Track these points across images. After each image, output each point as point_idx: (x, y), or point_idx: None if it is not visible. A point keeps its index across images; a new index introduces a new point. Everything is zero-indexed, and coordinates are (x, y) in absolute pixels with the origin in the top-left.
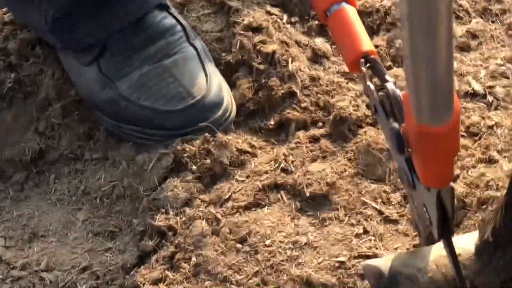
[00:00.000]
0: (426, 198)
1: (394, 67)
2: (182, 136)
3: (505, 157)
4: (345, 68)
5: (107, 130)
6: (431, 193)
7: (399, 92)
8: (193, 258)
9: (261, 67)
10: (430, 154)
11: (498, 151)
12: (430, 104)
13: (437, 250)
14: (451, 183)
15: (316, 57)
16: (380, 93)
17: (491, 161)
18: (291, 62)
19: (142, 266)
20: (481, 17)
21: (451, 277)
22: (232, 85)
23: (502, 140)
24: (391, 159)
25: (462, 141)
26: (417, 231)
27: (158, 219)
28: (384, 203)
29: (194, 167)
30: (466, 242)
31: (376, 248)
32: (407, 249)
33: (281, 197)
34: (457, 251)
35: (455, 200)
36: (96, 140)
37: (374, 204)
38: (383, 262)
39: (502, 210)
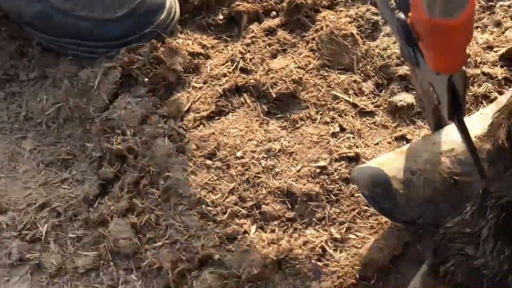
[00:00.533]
0: (434, 78)
1: None
2: (126, 46)
3: (477, 27)
4: None
5: (41, 45)
6: (441, 77)
7: None
8: (161, 182)
9: None
10: (442, 46)
11: None
12: None
13: (429, 148)
14: (463, 67)
15: None
16: None
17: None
18: None
19: (106, 197)
20: None
21: (447, 175)
22: None
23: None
24: (357, 45)
25: None
26: (422, 107)
27: (115, 141)
28: (356, 94)
29: (145, 79)
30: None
31: (357, 147)
32: (389, 143)
33: (245, 100)
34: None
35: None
36: (30, 57)
37: (346, 97)
38: (374, 168)
39: None
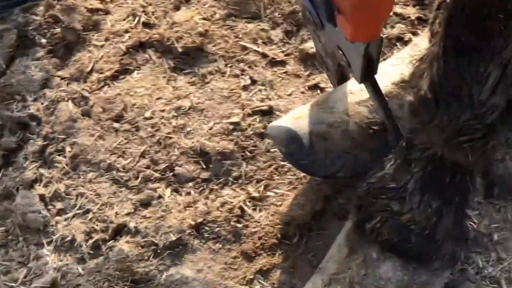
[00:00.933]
0: (345, 44)
1: None
2: (19, 5)
3: None
4: None
5: None
6: (356, 45)
7: None
8: (68, 149)
9: None
10: (364, 19)
11: None
12: None
13: (345, 98)
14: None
15: None
16: None
17: None
18: None
19: (10, 168)
20: None
21: (365, 125)
22: None
23: None
24: None
25: None
26: (324, 66)
27: (16, 108)
28: (265, 43)
29: (43, 40)
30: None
31: (269, 99)
32: (302, 92)
33: (150, 57)
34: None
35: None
36: None
37: (255, 47)
38: (290, 123)
39: (440, 60)
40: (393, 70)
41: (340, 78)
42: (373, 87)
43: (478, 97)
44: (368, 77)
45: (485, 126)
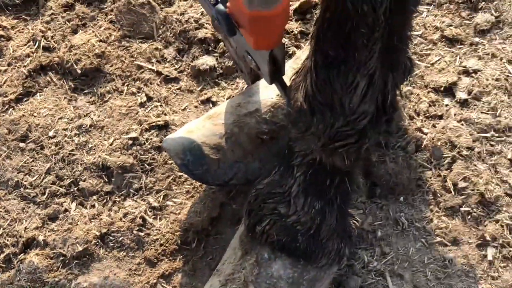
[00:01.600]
0: (252, 50)
1: None
2: None
3: None
4: None
5: None
6: (261, 52)
7: None
8: None
9: None
10: (262, 31)
11: None
12: None
13: (235, 111)
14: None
15: None
16: None
17: None
18: None
19: None
20: None
21: (254, 135)
22: None
23: None
24: (155, 12)
25: None
26: (237, 68)
27: None
28: (159, 62)
29: None
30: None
31: (165, 114)
32: (195, 107)
33: (51, 79)
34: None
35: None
36: None
37: (150, 66)
38: (184, 136)
39: (312, 73)
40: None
41: (254, 79)
42: (282, 86)
43: (349, 105)
44: (276, 78)
45: (357, 132)
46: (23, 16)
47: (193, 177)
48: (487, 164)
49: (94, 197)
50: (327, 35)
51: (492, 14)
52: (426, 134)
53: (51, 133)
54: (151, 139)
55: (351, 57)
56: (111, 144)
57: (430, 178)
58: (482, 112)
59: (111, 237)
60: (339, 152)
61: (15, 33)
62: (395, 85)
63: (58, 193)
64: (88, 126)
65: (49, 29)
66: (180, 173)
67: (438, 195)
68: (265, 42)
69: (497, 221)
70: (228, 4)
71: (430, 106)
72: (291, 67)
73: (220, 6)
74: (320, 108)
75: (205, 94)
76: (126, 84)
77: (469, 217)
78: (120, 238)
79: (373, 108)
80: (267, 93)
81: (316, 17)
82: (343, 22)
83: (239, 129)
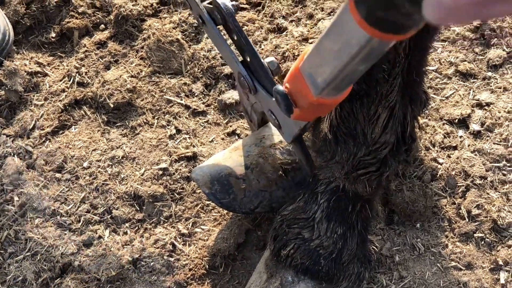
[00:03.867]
0: (277, 110)
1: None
2: None
3: (291, 21)
4: None
5: None
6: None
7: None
8: (16, 198)
9: None
10: (316, 113)
11: (284, 17)
12: (334, 87)
13: (260, 143)
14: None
15: None
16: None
17: (280, 29)
18: None
19: None
20: None
21: (278, 165)
22: (0, 3)
23: (285, 5)
24: (183, 49)
25: (247, 13)
26: (246, 116)
27: None
28: (187, 96)
29: None
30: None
31: (193, 146)
32: (222, 139)
33: (85, 113)
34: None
35: None
36: None
37: (178, 100)
38: (212, 167)
39: (337, 106)
40: None
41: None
42: (301, 146)
43: (371, 135)
44: (297, 139)
45: (378, 161)
46: (59, 53)
47: (220, 205)
48: (499, 192)
49: (127, 225)
50: None
51: (504, 50)
52: (441, 164)
53: (85, 164)
54: (180, 169)
55: (373, 90)
56: (142, 175)
57: (445, 205)
58: (494, 143)
59: (143, 262)
60: (361, 179)
61: (51, 70)
62: (413, 117)
63: (92, 221)
64: (120, 157)
65: (83, 65)
66: (207, 202)
67: (453, 221)
68: (308, 117)
69: (509, 246)
70: (287, 84)
71: (445, 137)
72: None
73: (279, 87)
74: (344, 138)
75: (231, 126)
76: (156, 117)
77: (483, 242)
78: (152, 263)
79: (393, 138)
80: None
81: None
82: None
83: (264, 159)
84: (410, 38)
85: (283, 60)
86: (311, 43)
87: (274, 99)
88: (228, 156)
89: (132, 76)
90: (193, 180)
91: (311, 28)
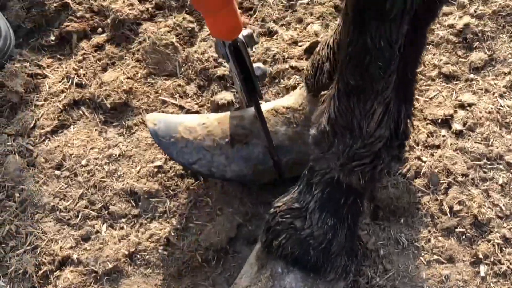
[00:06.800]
0: (231, 64)
1: None
2: None
3: (282, 25)
4: None
5: None
6: (229, 51)
7: None
8: (17, 195)
9: None
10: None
11: (274, 21)
12: None
13: (226, 113)
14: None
15: None
16: None
17: (271, 33)
18: None
19: None
20: None
21: (227, 133)
22: (2, 8)
23: (275, 10)
24: (178, 52)
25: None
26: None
27: None
28: (182, 97)
29: None
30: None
31: None
32: None
33: (83, 113)
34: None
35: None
36: None
37: (173, 101)
38: (171, 116)
39: (335, 100)
40: (286, 99)
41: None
42: (257, 109)
43: (366, 129)
44: (252, 96)
45: (372, 153)
46: (58, 56)
47: (159, 144)
48: (480, 189)
49: (123, 220)
50: (348, 66)
51: (485, 53)
52: (424, 162)
53: (83, 162)
54: (174, 167)
55: (369, 86)
56: (138, 172)
57: (428, 202)
58: (476, 142)
59: (138, 256)
60: (356, 171)
61: (50, 71)
62: (407, 115)
63: (90, 216)
64: (117, 156)
65: (81, 67)
66: (201, 198)
67: (435, 217)
68: (218, 29)
69: (489, 241)
70: None
71: (428, 136)
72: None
73: None
74: (341, 131)
75: None
76: None
77: (464, 237)
78: (147, 257)
79: (388, 133)
80: (270, 104)
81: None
82: (362, 56)
83: (218, 124)
84: (406, 38)
85: (273, 62)
86: (301, 46)
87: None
88: (194, 116)
89: (128, 78)
90: (145, 119)
91: (300, 32)
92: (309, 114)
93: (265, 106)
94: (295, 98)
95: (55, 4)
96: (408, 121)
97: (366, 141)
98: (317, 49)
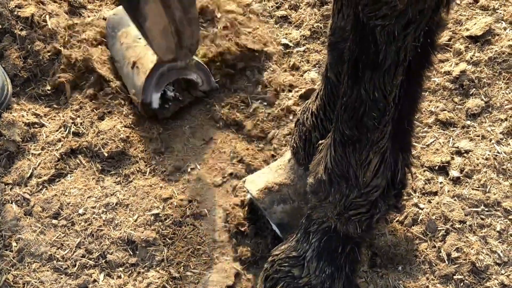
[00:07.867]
0: None
1: None
2: None
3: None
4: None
5: None
6: None
7: None
8: (14, 244)
9: (23, 33)
10: None
11: None
12: None
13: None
14: None
15: (74, 9)
16: None
17: None
18: (49, 19)
19: None
20: None
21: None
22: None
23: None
24: None
25: None
26: None
27: None
28: None
29: None
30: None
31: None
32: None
33: (81, 161)
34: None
35: None
36: None
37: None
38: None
39: (331, 149)
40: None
41: None
42: None
43: (362, 178)
44: None
45: (369, 203)
46: (54, 105)
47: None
48: (478, 236)
49: (120, 269)
50: (344, 117)
51: (482, 100)
52: (422, 209)
53: (81, 211)
54: (171, 215)
55: (364, 136)
56: (135, 220)
57: (426, 249)
58: (473, 189)
59: None
60: (352, 220)
61: (47, 120)
62: (405, 164)
63: (87, 265)
64: (114, 204)
65: (78, 116)
66: (198, 246)
67: (433, 264)
68: None
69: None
70: None
71: (425, 183)
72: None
73: None
74: (338, 180)
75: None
76: (148, 165)
77: (462, 284)
78: None
79: (384, 182)
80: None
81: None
82: (357, 106)
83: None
84: (401, 88)
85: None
86: (297, 91)
87: None
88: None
89: (125, 126)
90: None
91: (297, 79)
92: (302, 190)
93: (255, 186)
94: (286, 173)
95: (49, 54)
96: (406, 170)
97: (362, 190)
98: (300, 118)
